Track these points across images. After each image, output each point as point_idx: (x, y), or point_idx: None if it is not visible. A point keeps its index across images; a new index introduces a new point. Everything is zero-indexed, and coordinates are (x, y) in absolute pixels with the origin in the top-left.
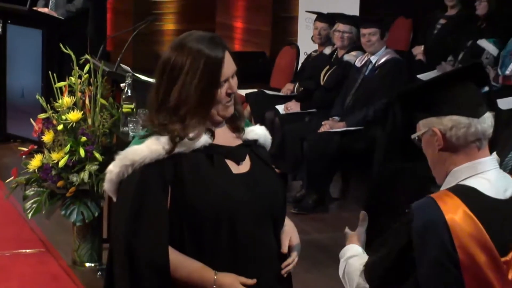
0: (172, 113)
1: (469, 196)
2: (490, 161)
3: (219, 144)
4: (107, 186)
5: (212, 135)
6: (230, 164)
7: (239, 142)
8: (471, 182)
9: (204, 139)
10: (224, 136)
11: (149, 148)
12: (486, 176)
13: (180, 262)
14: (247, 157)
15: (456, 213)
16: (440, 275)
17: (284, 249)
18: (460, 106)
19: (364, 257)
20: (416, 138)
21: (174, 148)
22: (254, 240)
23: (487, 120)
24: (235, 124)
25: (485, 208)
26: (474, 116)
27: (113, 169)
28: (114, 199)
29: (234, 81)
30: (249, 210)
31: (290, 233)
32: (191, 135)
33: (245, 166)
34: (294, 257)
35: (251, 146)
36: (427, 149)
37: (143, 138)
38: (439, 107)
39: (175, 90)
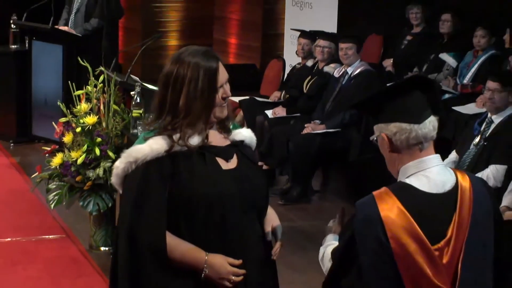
0: (179, 116)
1: (405, 193)
2: (433, 159)
3: (211, 144)
4: (114, 179)
5: (206, 136)
6: (220, 161)
7: (228, 142)
8: (411, 180)
9: (198, 140)
10: (215, 138)
11: (150, 147)
12: (427, 173)
13: (176, 244)
14: (235, 156)
15: (391, 210)
16: (378, 264)
17: (267, 237)
18: (403, 113)
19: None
20: (374, 139)
21: (173, 146)
22: (241, 226)
23: (429, 125)
24: (224, 124)
25: (419, 203)
26: (415, 122)
27: (119, 165)
28: (120, 191)
29: (227, 87)
30: (236, 200)
31: (271, 220)
32: (195, 133)
33: (233, 163)
34: (278, 245)
35: (238, 146)
36: (382, 150)
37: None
38: (386, 115)
39: (182, 97)
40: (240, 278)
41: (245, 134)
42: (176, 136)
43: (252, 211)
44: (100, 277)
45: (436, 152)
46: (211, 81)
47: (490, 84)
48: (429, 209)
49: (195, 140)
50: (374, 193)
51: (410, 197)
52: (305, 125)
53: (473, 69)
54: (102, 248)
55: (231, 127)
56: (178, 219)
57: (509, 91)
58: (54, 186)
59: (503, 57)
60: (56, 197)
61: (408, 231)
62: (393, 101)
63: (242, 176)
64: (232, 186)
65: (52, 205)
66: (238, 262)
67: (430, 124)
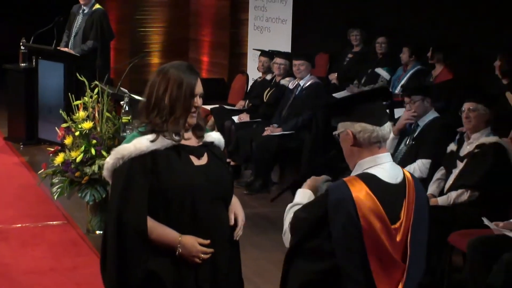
0: (163, 113)
1: (371, 180)
2: (386, 156)
3: (185, 144)
4: (105, 173)
5: (183, 135)
6: (193, 158)
7: (200, 143)
8: (372, 171)
9: (175, 140)
10: (190, 139)
11: (134, 146)
12: (383, 166)
13: (154, 227)
14: (205, 154)
15: (360, 192)
16: (347, 238)
17: (231, 222)
18: (368, 116)
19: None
20: (336, 134)
21: (157, 137)
22: (209, 212)
23: (387, 128)
24: (198, 134)
25: (382, 189)
26: (377, 125)
27: (109, 160)
28: (110, 182)
29: (200, 100)
30: (206, 192)
31: (234, 208)
32: (179, 131)
33: (203, 160)
34: (240, 224)
35: (208, 146)
36: (343, 144)
37: (142, 134)
38: (354, 115)
39: (166, 98)
40: (208, 255)
41: (214, 136)
42: (163, 133)
43: (218, 200)
44: (96, 256)
45: None
46: (190, 89)
47: (406, 98)
48: (388, 195)
49: (172, 140)
50: (345, 179)
51: (374, 184)
52: (265, 128)
53: (403, 81)
54: (98, 232)
55: (203, 135)
56: (157, 206)
57: (422, 99)
58: (57, 181)
59: (427, 70)
60: (59, 190)
61: (374, 212)
62: (361, 105)
63: (211, 171)
64: (202, 179)
65: (55, 196)
66: (206, 241)
67: (388, 127)
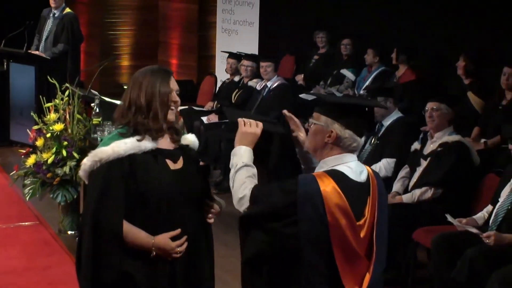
0: (142, 111)
1: (338, 177)
2: (352, 156)
3: (162, 148)
4: (82, 173)
5: (164, 131)
6: (169, 162)
7: (176, 146)
8: (339, 168)
9: (151, 144)
10: (166, 142)
11: (112, 149)
12: (349, 165)
13: (129, 230)
14: (181, 158)
15: (328, 188)
16: (313, 231)
17: (209, 221)
18: (357, 127)
19: (251, 170)
20: (312, 123)
21: (143, 138)
22: (185, 217)
23: (362, 140)
24: (174, 138)
25: (348, 186)
26: (359, 136)
27: (86, 162)
28: (86, 182)
29: (177, 96)
30: (181, 196)
31: (211, 207)
32: (157, 126)
33: (179, 164)
34: (216, 208)
35: (184, 149)
36: (315, 134)
37: (122, 135)
38: (344, 120)
39: (141, 96)
40: (184, 247)
41: (190, 139)
42: (146, 132)
43: (194, 202)
44: (68, 255)
45: None
46: (164, 85)
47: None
48: (354, 193)
49: (148, 145)
50: (314, 174)
51: (342, 181)
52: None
53: (367, 82)
54: (69, 232)
55: (180, 139)
56: (134, 208)
57: (384, 100)
58: (29, 182)
59: (391, 71)
60: (31, 191)
61: (341, 208)
62: (355, 115)
63: (187, 175)
64: (178, 183)
65: (28, 197)
66: (177, 232)
67: (363, 139)
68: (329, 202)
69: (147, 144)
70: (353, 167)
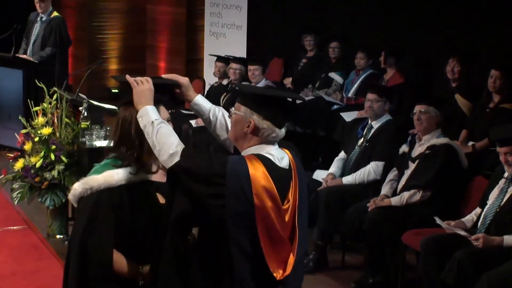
0: (134, 146)
1: (267, 161)
2: (271, 146)
3: (153, 180)
4: (71, 197)
5: (157, 167)
6: (159, 196)
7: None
8: (267, 155)
9: (144, 176)
10: (159, 175)
11: (104, 178)
12: (271, 152)
13: (117, 258)
14: None
15: (257, 171)
16: (240, 208)
17: None
18: (275, 118)
19: (170, 128)
20: (233, 113)
21: (138, 171)
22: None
23: (284, 130)
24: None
25: (275, 171)
26: (278, 127)
27: (77, 188)
28: (75, 206)
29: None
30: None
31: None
32: (149, 163)
33: None
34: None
35: None
36: (236, 124)
37: (116, 167)
38: (263, 111)
39: (132, 131)
40: None
41: None
42: (138, 164)
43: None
44: (57, 260)
45: (327, 151)
46: None
47: (369, 95)
48: (279, 177)
49: (140, 176)
50: (244, 156)
51: (269, 165)
52: None
53: (356, 85)
54: (58, 236)
55: None
56: (121, 239)
57: (384, 101)
58: (17, 186)
59: (379, 74)
60: (19, 195)
61: (268, 190)
62: (273, 106)
63: None
64: (165, 218)
65: (16, 201)
66: None
67: (284, 130)
68: (257, 184)
69: (139, 176)
70: (275, 154)
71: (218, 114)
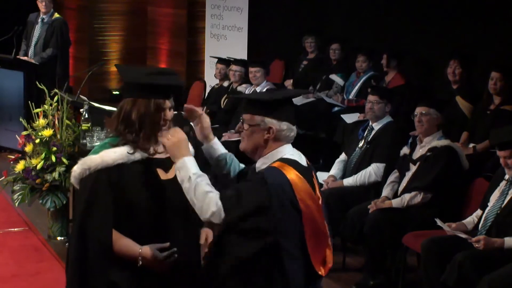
0: (133, 127)
1: (294, 164)
2: (289, 145)
3: (154, 157)
4: (73, 180)
5: (153, 151)
6: (160, 172)
7: (168, 155)
8: (291, 157)
9: (142, 154)
10: (159, 150)
11: (101, 158)
12: (291, 153)
13: (116, 239)
14: (173, 166)
15: (293, 176)
16: (288, 220)
17: (201, 241)
18: (290, 117)
19: (205, 179)
20: (247, 126)
21: (135, 151)
22: (173, 227)
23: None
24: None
25: (303, 171)
26: (294, 125)
27: (76, 169)
28: (77, 187)
29: (170, 113)
30: (170, 207)
31: (206, 231)
32: (146, 146)
33: (171, 173)
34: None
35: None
36: (252, 135)
37: (113, 146)
38: (278, 114)
39: (133, 115)
40: (173, 258)
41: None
42: (134, 146)
43: (185, 214)
44: (58, 262)
45: (328, 153)
46: (158, 103)
47: (370, 97)
48: (307, 176)
49: (138, 154)
50: (274, 165)
51: (298, 167)
52: (223, 134)
53: (356, 87)
54: (59, 238)
55: None
56: (121, 218)
57: (385, 103)
58: (18, 188)
59: (380, 77)
60: (20, 197)
61: (307, 193)
62: (285, 106)
63: (177, 185)
64: (167, 194)
65: (17, 203)
66: (165, 245)
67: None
68: (298, 189)
69: (137, 154)
70: (295, 154)
71: (233, 160)
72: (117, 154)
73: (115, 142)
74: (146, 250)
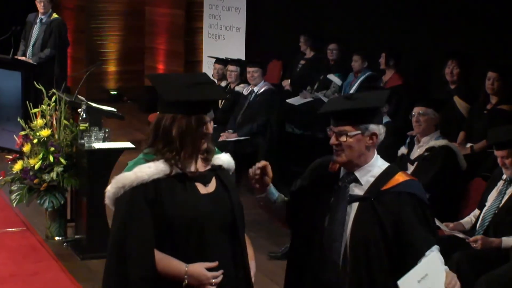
0: (172, 144)
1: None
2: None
3: (191, 170)
4: (107, 201)
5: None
6: (199, 186)
7: (208, 167)
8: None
9: (178, 168)
10: (196, 163)
11: (135, 174)
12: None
13: (159, 259)
14: (213, 179)
15: None
16: None
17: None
18: (381, 120)
19: None
20: (350, 136)
21: (172, 170)
22: (218, 243)
23: None
24: (206, 157)
25: None
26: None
27: (110, 189)
28: (112, 208)
29: (211, 125)
30: (213, 222)
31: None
32: (188, 165)
33: (211, 187)
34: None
35: (217, 170)
36: (355, 144)
37: (148, 161)
38: (378, 118)
39: (174, 131)
40: (219, 279)
41: (223, 159)
42: (173, 162)
43: (227, 229)
44: (55, 262)
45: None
46: (199, 118)
47: None
48: None
49: (175, 168)
50: (402, 174)
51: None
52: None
53: (354, 87)
54: (57, 238)
55: (211, 158)
56: (162, 235)
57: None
58: (16, 188)
59: (377, 76)
60: (18, 197)
61: None
62: (379, 110)
63: (219, 199)
64: (209, 208)
65: (15, 203)
66: (214, 264)
67: None
68: None
69: (174, 168)
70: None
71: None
72: (152, 169)
73: (150, 158)
74: (194, 268)
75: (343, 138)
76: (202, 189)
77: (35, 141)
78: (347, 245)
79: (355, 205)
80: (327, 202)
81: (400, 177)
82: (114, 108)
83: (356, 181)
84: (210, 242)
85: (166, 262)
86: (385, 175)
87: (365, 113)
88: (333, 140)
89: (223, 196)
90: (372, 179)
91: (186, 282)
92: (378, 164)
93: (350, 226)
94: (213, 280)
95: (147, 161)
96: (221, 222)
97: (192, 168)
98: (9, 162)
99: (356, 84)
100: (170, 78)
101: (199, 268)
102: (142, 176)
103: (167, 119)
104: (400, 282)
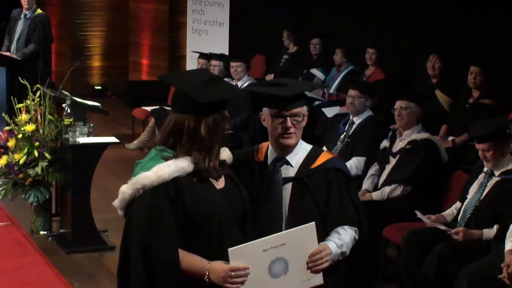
0: (196, 143)
1: None
2: None
3: (206, 166)
4: (118, 203)
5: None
6: (214, 182)
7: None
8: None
9: (194, 165)
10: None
11: (156, 174)
12: None
13: (183, 256)
14: (222, 176)
15: None
16: None
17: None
18: None
19: None
20: (305, 116)
21: (199, 168)
22: (235, 237)
23: None
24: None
25: None
26: None
27: (126, 190)
28: (120, 212)
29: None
30: (230, 216)
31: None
32: (214, 165)
33: (221, 182)
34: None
35: (222, 165)
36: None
37: (166, 159)
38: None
39: (203, 131)
40: (243, 278)
41: (224, 154)
42: (195, 159)
43: (240, 221)
44: (40, 256)
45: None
46: (225, 116)
47: (351, 91)
48: None
49: (191, 166)
50: (325, 152)
51: None
52: None
53: (337, 81)
54: (41, 232)
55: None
56: (184, 234)
57: (365, 97)
58: (0, 182)
59: (360, 71)
60: (3, 191)
61: None
62: None
63: (230, 193)
64: (225, 203)
65: (0, 198)
66: (240, 267)
67: None
68: None
69: (191, 165)
70: None
71: None
72: (172, 167)
73: (168, 155)
74: (215, 264)
75: (299, 119)
76: (217, 185)
77: (20, 136)
78: (287, 226)
79: (288, 188)
80: (259, 189)
81: (325, 156)
82: (99, 103)
83: (287, 163)
84: (227, 237)
85: (189, 259)
86: (312, 155)
87: (305, 96)
88: (289, 123)
89: (233, 190)
90: (301, 160)
91: (208, 280)
92: (303, 146)
93: (287, 207)
94: (236, 279)
95: (166, 158)
96: (235, 216)
97: (207, 164)
98: None
99: (339, 78)
100: (187, 78)
101: (219, 265)
102: (163, 175)
103: (191, 119)
104: (230, 250)
